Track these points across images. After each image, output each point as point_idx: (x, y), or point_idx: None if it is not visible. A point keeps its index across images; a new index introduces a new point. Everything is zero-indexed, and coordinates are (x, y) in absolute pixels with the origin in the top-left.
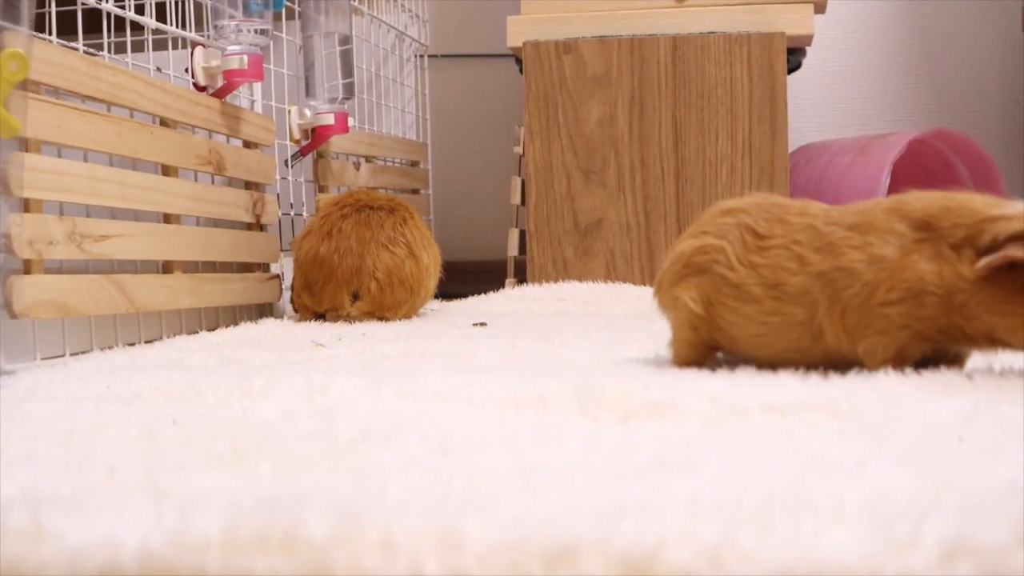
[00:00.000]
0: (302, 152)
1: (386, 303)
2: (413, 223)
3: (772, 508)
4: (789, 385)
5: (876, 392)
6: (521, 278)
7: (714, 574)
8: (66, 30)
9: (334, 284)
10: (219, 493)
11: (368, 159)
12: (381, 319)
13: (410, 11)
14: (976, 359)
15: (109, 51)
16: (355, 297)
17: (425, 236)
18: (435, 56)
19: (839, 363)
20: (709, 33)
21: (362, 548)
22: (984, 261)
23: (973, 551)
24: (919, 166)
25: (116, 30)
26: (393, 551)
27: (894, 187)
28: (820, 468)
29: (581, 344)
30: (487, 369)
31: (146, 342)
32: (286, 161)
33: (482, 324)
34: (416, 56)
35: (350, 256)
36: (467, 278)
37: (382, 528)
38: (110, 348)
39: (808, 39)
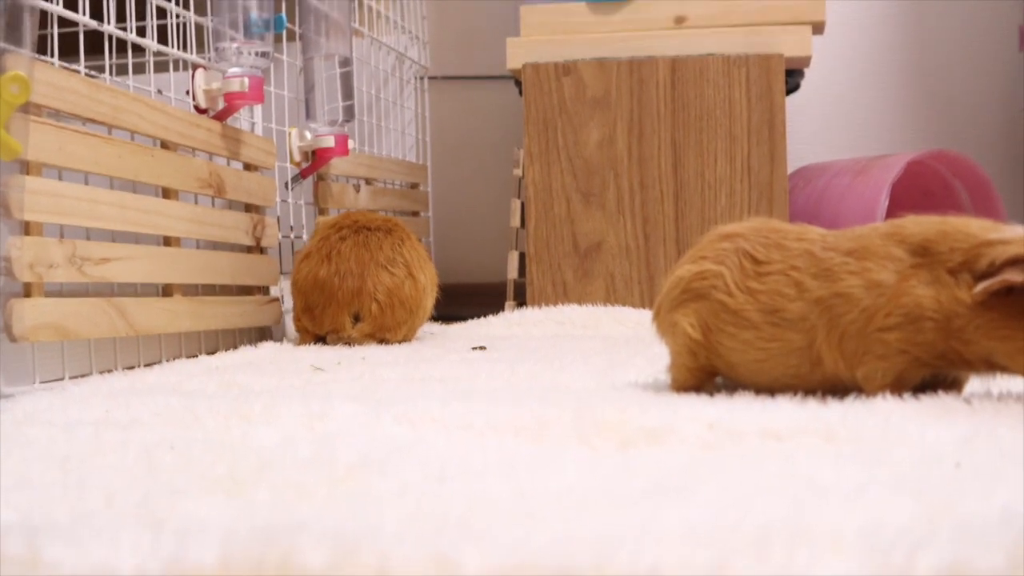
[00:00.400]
0: (302, 174)
1: (387, 324)
2: (410, 243)
3: (768, 536)
4: (786, 410)
5: (874, 417)
6: (521, 301)
7: None
8: (67, 52)
9: (335, 306)
10: (216, 521)
11: (368, 181)
12: (382, 341)
13: (410, 33)
14: (974, 384)
15: (110, 73)
16: (356, 319)
17: (422, 256)
18: (435, 78)
19: (838, 389)
20: (708, 55)
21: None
22: (981, 286)
23: None
24: (917, 187)
25: (117, 52)
26: None
27: (893, 209)
28: (816, 494)
29: (580, 368)
30: (486, 394)
31: (145, 365)
32: (286, 183)
33: (481, 348)
34: (416, 78)
35: (350, 278)
36: (467, 300)
37: (379, 556)
38: (109, 371)
39: (806, 60)
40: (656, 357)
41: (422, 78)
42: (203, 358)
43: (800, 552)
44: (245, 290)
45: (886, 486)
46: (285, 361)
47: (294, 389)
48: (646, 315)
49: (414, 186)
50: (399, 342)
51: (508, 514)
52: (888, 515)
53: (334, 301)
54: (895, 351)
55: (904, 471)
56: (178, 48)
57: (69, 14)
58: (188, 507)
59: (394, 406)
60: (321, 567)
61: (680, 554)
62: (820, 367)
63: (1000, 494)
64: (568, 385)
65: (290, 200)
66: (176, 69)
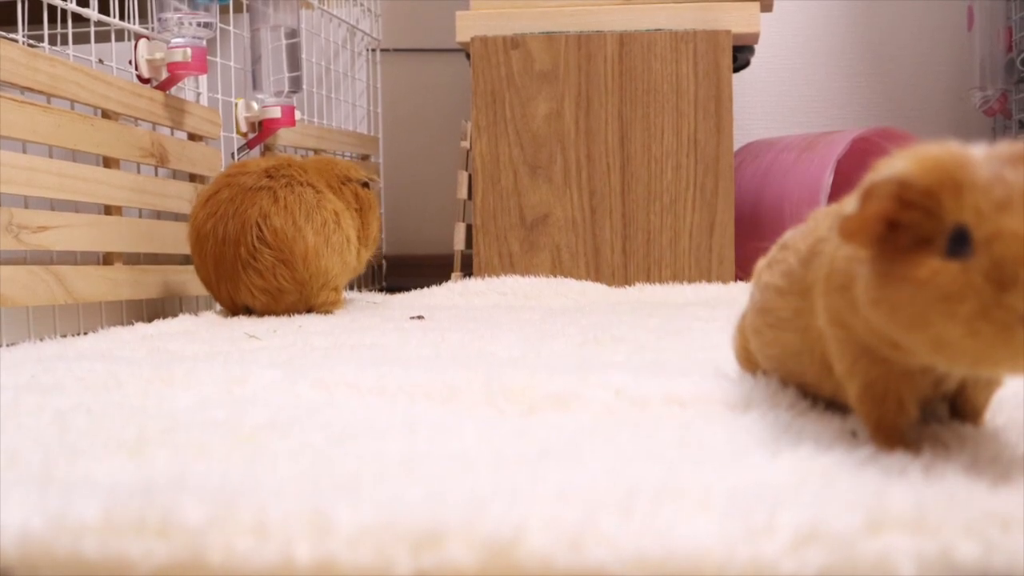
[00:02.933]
0: (249, 145)
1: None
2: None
3: (636, 495)
4: (696, 379)
5: (786, 390)
6: (468, 272)
7: (573, 558)
8: (6, 21)
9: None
10: (106, 478)
11: (317, 152)
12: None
13: (362, 5)
14: None
15: (52, 43)
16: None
17: (309, 205)
18: (387, 50)
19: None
20: (656, 30)
21: (235, 532)
22: None
23: (825, 537)
24: (864, 164)
25: (61, 22)
26: (265, 535)
27: (838, 184)
28: (698, 457)
29: (511, 337)
30: (409, 361)
31: (85, 333)
32: (233, 154)
33: (419, 317)
34: (368, 50)
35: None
36: (416, 271)
37: (256, 512)
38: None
39: (754, 37)
40: (588, 327)
41: (374, 50)
42: (139, 326)
43: (664, 510)
44: (188, 259)
45: (770, 451)
46: (221, 329)
47: (222, 355)
48: (588, 286)
49: (365, 157)
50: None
51: (395, 474)
52: (764, 478)
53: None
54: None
55: (795, 438)
56: (120, 18)
57: None
58: (88, 467)
59: (312, 371)
60: (199, 523)
61: (548, 513)
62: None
63: (880, 461)
64: (495, 353)
65: None
66: (119, 39)
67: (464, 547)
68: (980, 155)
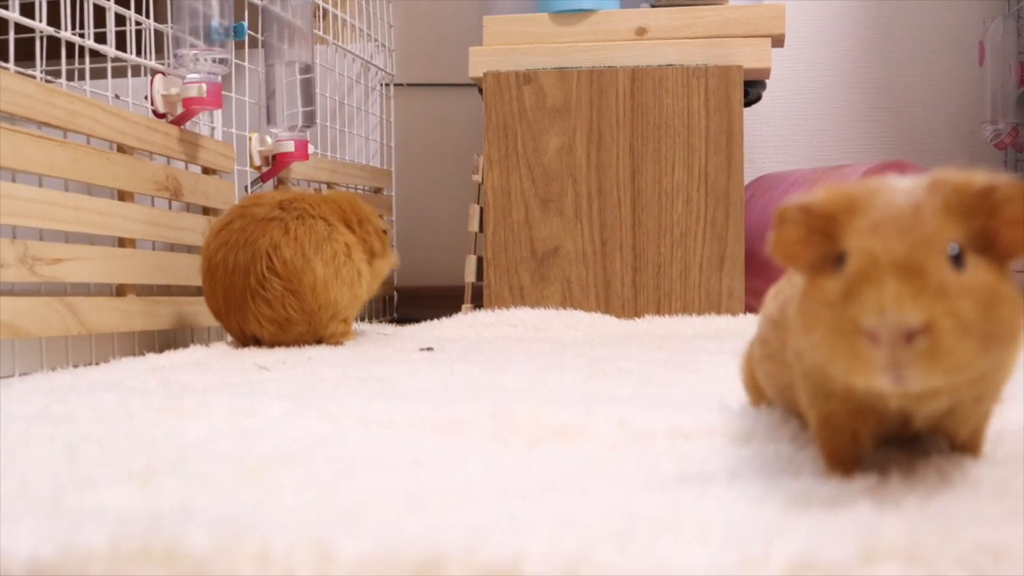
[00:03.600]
0: (263, 178)
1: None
2: (309, 223)
3: (634, 527)
4: (699, 412)
5: (788, 423)
6: (479, 304)
7: None
8: (24, 56)
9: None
10: (113, 507)
11: (330, 185)
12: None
13: (376, 40)
14: None
15: (68, 78)
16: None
17: (319, 237)
18: (401, 84)
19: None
20: (667, 65)
21: (239, 560)
22: None
23: (819, 566)
24: None
25: (78, 58)
26: (268, 563)
27: None
28: (698, 490)
29: (520, 369)
30: (417, 393)
31: (97, 364)
32: (246, 187)
33: (428, 349)
34: (382, 85)
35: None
36: (427, 303)
37: (260, 542)
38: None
39: (766, 72)
40: (596, 359)
41: (387, 85)
42: (150, 356)
43: (662, 542)
44: (200, 290)
45: (769, 483)
46: (232, 360)
47: (231, 387)
48: (598, 319)
49: (378, 190)
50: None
51: (398, 506)
52: (761, 509)
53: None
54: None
55: (795, 470)
56: (137, 54)
57: (26, 21)
58: (97, 496)
59: (320, 403)
60: (204, 551)
61: (545, 544)
62: None
63: (867, 491)
64: (503, 385)
65: None
66: (136, 75)
67: (463, 575)
68: (902, 182)
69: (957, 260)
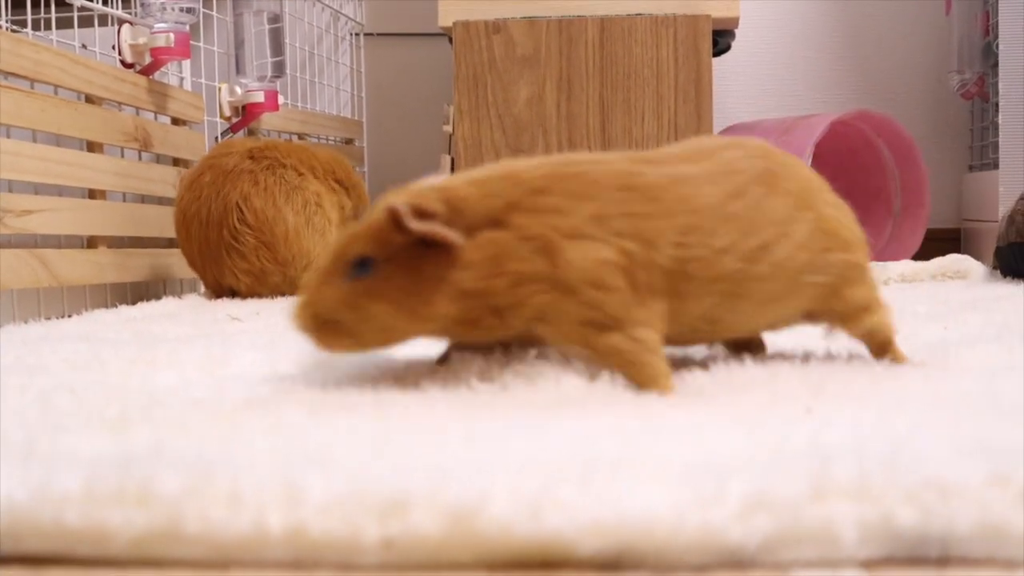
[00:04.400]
0: (232, 129)
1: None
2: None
3: (595, 466)
4: None
5: (748, 371)
6: None
7: (532, 525)
8: None
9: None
10: (87, 452)
11: (301, 136)
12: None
13: None
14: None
15: (34, 28)
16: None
17: (290, 187)
18: (370, 34)
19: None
20: (636, 15)
21: (210, 502)
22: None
23: (771, 504)
24: (842, 146)
25: (43, 8)
26: (239, 505)
27: (817, 167)
28: (656, 433)
29: None
30: None
31: (69, 316)
32: (216, 138)
33: None
34: (351, 35)
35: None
36: None
37: (230, 483)
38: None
39: (734, 22)
40: None
41: (357, 35)
42: (123, 308)
43: (621, 481)
44: (172, 242)
45: (725, 426)
46: (205, 311)
47: (204, 337)
48: None
49: (349, 141)
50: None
51: (364, 447)
52: (719, 450)
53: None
54: None
55: (749, 413)
56: (103, 3)
57: None
58: (70, 443)
59: (293, 352)
60: (176, 492)
61: (509, 483)
62: None
63: (830, 432)
64: None
65: None
66: (102, 24)
67: (428, 515)
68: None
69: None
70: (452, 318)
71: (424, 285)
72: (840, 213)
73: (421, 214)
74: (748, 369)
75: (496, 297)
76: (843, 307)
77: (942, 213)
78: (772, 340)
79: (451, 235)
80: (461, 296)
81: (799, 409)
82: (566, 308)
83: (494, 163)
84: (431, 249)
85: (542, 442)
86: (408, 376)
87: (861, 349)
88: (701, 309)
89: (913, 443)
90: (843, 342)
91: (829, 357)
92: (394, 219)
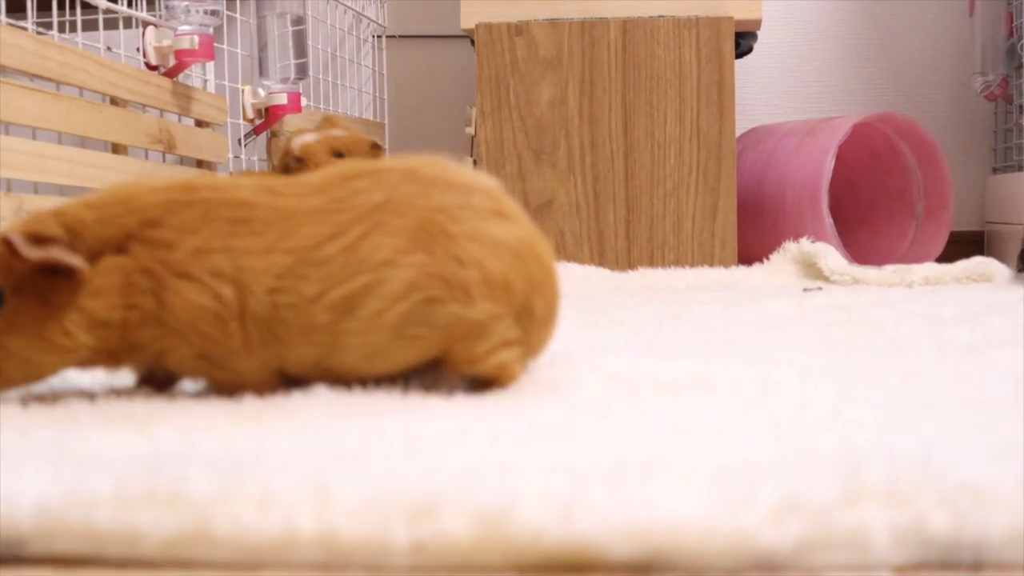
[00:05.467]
0: (255, 131)
1: None
2: None
3: (623, 469)
4: (688, 362)
5: (778, 370)
6: None
7: (562, 528)
8: (15, 8)
9: None
10: (116, 453)
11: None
12: None
13: None
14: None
15: (60, 30)
16: None
17: None
18: (393, 36)
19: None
20: (658, 17)
21: (240, 504)
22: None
23: (803, 508)
24: (865, 149)
25: (69, 10)
26: (269, 507)
27: (840, 170)
28: (686, 435)
29: None
30: None
31: None
32: (239, 140)
33: None
34: (373, 36)
35: None
36: None
37: (261, 486)
38: None
39: (756, 23)
40: (588, 311)
41: (379, 37)
42: None
43: (651, 484)
44: None
45: (753, 428)
46: None
47: None
48: (592, 271)
49: None
50: None
51: (393, 449)
52: (748, 453)
53: None
54: None
55: (778, 417)
56: (128, 6)
57: None
58: (98, 444)
59: None
60: (206, 495)
61: (539, 485)
62: None
63: (860, 436)
64: None
65: (243, 156)
66: (127, 27)
67: (458, 517)
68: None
69: None
70: (93, 348)
71: (57, 314)
72: (484, 251)
73: (38, 240)
74: (778, 372)
75: (129, 331)
76: (457, 358)
77: (965, 216)
78: (800, 338)
79: (73, 260)
80: (98, 325)
81: (827, 412)
82: (179, 347)
83: (117, 184)
84: (57, 276)
85: (568, 444)
86: (428, 377)
87: (889, 350)
88: (310, 358)
89: (944, 447)
90: (870, 343)
91: (856, 359)
92: (9, 248)
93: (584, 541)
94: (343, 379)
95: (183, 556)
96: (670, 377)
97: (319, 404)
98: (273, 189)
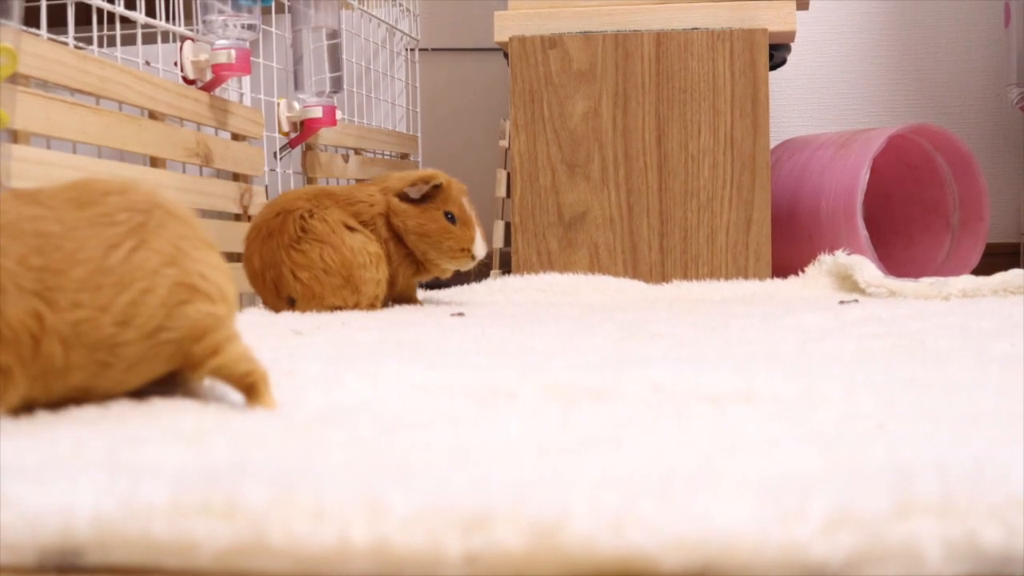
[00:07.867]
0: (291, 144)
1: (320, 294)
2: (319, 216)
3: (673, 481)
4: (730, 374)
5: (822, 384)
6: (507, 270)
7: (615, 540)
8: (56, 23)
9: (272, 299)
10: (170, 464)
11: (357, 151)
12: (332, 309)
13: (401, 5)
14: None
15: (99, 45)
16: (292, 302)
17: (337, 225)
18: (426, 49)
19: None
20: (692, 29)
21: (295, 515)
22: None
23: (854, 521)
24: (900, 161)
25: (107, 24)
26: (323, 518)
27: (875, 182)
28: (733, 448)
29: (550, 333)
30: (450, 356)
31: None
32: (275, 153)
33: (459, 314)
34: (407, 50)
35: (269, 270)
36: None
37: (314, 498)
38: None
39: (790, 35)
40: (626, 323)
41: (412, 50)
42: None
43: (701, 496)
44: (232, 257)
45: (800, 441)
46: (266, 325)
47: (269, 350)
48: (626, 283)
49: (404, 156)
50: (353, 307)
51: (442, 462)
52: (796, 466)
53: (269, 295)
54: None
55: (823, 429)
56: (166, 20)
57: None
58: (150, 454)
59: (358, 366)
60: (261, 506)
61: (589, 498)
62: None
63: (904, 449)
64: (533, 348)
65: (278, 169)
66: (165, 41)
67: (511, 529)
68: None
69: None
70: None
71: None
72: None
73: None
74: (819, 384)
75: None
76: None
77: (1001, 227)
78: (839, 351)
79: None
80: None
81: (872, 424)
82: None
83: None
84: None
85: (616, 455)
86: (479, 389)
87: (930, 363)
88: (79, 380)
89: (993, 459)
90: (909, 356)
91: (897, 372)
92: None
93: (636, 553)
94: (93, 399)
95: (238, 567)
96: (713, 389)
97: (366, 417)
98: (35, 199)
